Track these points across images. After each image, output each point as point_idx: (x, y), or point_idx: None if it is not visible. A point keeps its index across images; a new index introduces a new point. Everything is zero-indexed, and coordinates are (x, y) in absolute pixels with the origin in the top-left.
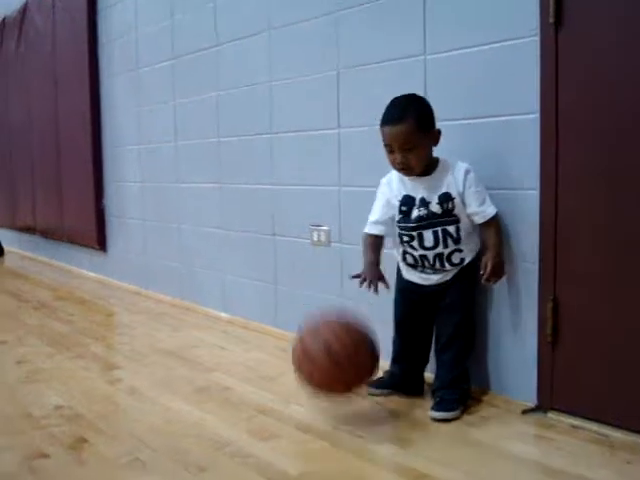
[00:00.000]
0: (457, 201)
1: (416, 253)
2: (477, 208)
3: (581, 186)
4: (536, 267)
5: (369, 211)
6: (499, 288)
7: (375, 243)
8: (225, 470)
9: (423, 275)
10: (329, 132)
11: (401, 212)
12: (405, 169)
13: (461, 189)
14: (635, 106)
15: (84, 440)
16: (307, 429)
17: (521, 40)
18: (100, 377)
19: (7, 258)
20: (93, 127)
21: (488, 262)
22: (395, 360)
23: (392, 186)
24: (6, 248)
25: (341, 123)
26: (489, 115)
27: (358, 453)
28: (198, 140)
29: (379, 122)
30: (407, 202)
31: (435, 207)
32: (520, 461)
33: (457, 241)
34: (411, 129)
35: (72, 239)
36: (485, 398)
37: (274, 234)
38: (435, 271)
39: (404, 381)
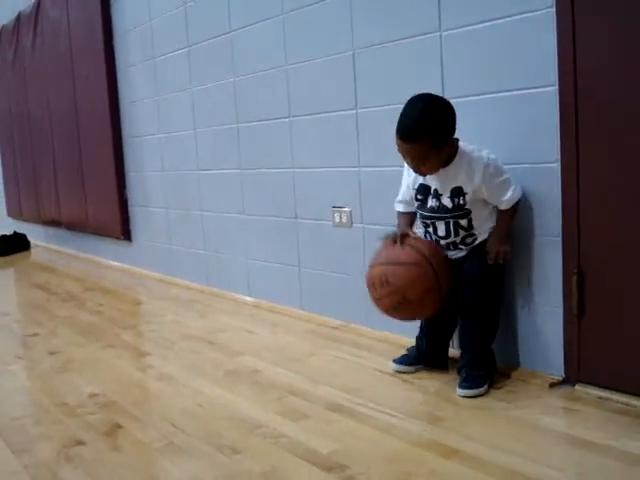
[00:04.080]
0: (469, 196)
1: (433, 238)
2: (503, 198)
3: (602, 157)
4: (559, 240)
5: (390, 191)
6: (523, 263)
7: (403, 217)
8: (258, 451)
9: None
10: (347, 113)
11: (417, 200)
12: (418, 172)
13: (478, 183)
14: None
15: (119, 426)
16: (336, 408)
17: (537, 12)
18: (131, 364)
19: (34, 252)
20: (112, 118)
21: (491, 249)
22: (422, 329)
23: (410, 172)
24: (32, 242)
25: (358, 104)
26: (508, 89)
27: (388, 431)
28: (217, 127)
29: (396, 102)
30: (422, 191)
31: (446, 200)
32: (549, 434)
33: (469, 229)
34: (426, 147)
35: (97, 230)
36: (513, 373)
37: (296, 217)
38: (449, 250)
39: (429, 354)
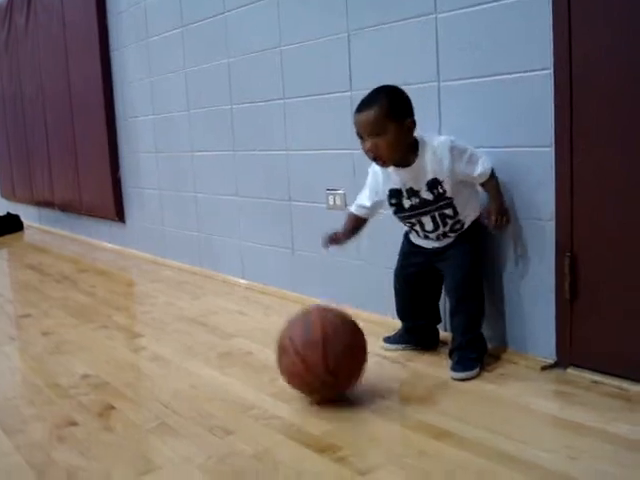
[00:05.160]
0: (447, 183)
1: (421, 234)
2: (475, 173)
3: (596, 141)
4: (552, 223)
5: None
6: (514, 244)
7: (354, 220)
8: (250, 432)
9: (427, 241)
10: (341, 95)
11: (392, 204)
12: (377, 158)
13: (449, 166)
14: None
15: (111, 407)
16: None
17: None
18: (124, 346)
19: (27, 233)
20: (105, 99)
21: (491, 213)
22: (400, 317)
23: (378, 179)
24: (26, 223)
25: (353, 86)
26: (502, 72)
27: (379, 412)
28: (211, 108)
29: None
30: (394, 195)
31: (426, 194)
32: (541, 416)
33: (455, 216)
34: (380, 113)
35: (90, 212)
36: (504, 355)
37: (290, 199)
38: (439, 239)
39: (418, 335)
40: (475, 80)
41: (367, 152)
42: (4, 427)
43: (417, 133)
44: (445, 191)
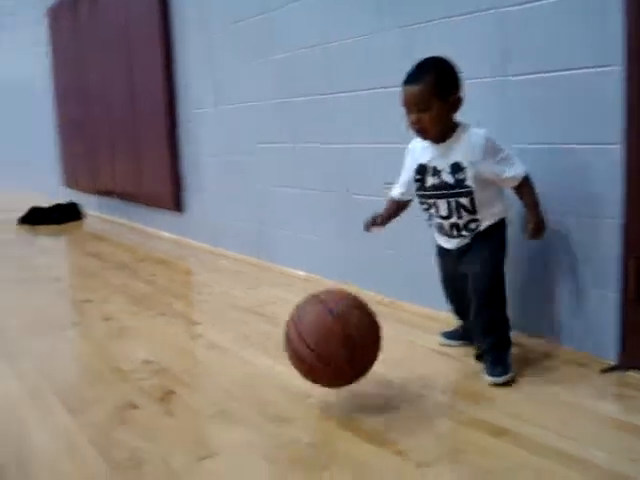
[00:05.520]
0: (469, 171)
1: (436, 220)
2: (504, 174)
3: None
4: (618, 223)
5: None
6: (579, 243)
7: (393, 203)
8: (308, 421)
9: (446, 238)
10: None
11: (417, 180)
12: (420, 131)
13: (478, 158)
14: None
15: (172, 392)
16: (388, 385)
17: None
18: (183, 333)
19: (87, 221)
20: (168, 90)
21: (529, 224)
22: (457, 317)
23: (413, 155)
24: (86, 212)
25: None
26: (569, 68)
27: (436, 408)
28: (272, 100)
29: None
30: (420, 171)
31: (447, 177)
32: (600, 418)
33: (472, 212)
34: (427, 90)
35: (149, 201)
36: (562, 355)
37: (348, 192)
38: (454, 236)
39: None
40: (542, 75)
41: (411, 124)
42: (68, 407)
43: (460, 118)
44: (466, 178)
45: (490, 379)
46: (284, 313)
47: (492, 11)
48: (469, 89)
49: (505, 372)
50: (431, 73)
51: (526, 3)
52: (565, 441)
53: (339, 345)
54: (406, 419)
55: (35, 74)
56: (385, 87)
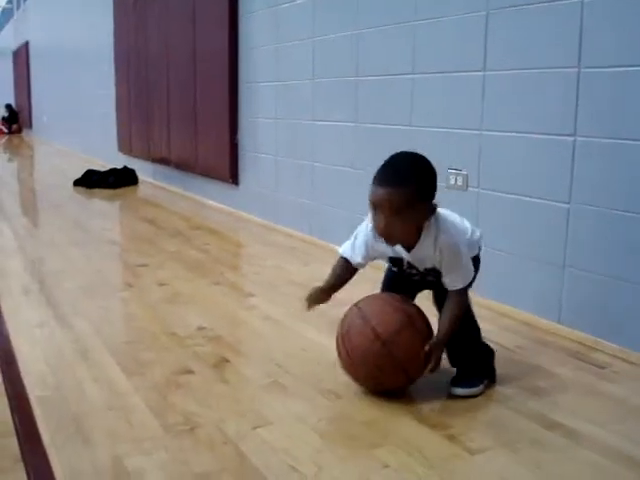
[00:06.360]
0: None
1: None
2: (445, 278)
3: None
4: None
5: (511, 158)
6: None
7: (347, 268)
8: (360, 399)
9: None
10: (474, 74)
11: (393, 266)
12: (386, 238)
13: (438, 260)
14: None
15: (226, 360)
16: (446, 371)
17: None
18: (237, 303)
19: (141, 187)
20: (230, 63)
21: (431, 349)
22: None
23: (378, 240)
24: (140, 178)
25: (487, 66)
26: None
27: (490, 396)
28: (335, 78)
29: (525, 66)
30: (395, 262)
31: (424, 271)
32: None
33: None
34: (403, 197)
35: (205, 172)
36: (619, 354)
37: None
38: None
39: None
40: (621, 69)
41: (378, 228)
42: (123, 368)
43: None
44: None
45: (452, 389)
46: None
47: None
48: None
49: (471, 385)
50: (412, 177)
51: None
52: (620, 439)
53: (391, 373)
54: (460, 405)
55: (99, 38)
56: (458, 71)
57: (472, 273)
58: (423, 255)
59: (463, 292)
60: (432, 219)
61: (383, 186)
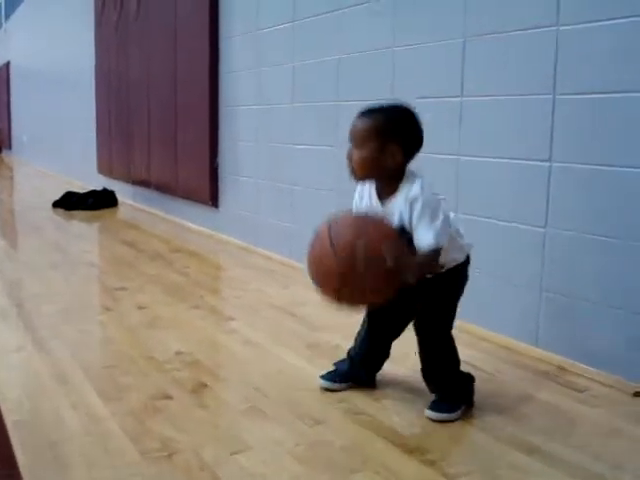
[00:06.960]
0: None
1: None
2: (415, 233)
3: None
4: None
5: (488, 182)
6: (616, 269)
7: None
8: (339, 424)
9: None
10: (452, 100)
11: None
12: (354, 171)
13: (408, 214)
14: None
15: (204, 385)
16: (419, 393)
17: None
18: (216, 327)
19: (120, 209)
20: (211, 86)
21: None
22: (360, 359)
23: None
24: (120, 200)
25: (464, 92)
26: (624, 90)
27: (468, 421)
28: (316, 102)
29: (502, 92)
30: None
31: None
32: (635, 441)
33: None
34: (366, 128)
35: (185, 194)
36: (595, 377)
37: None
38: None
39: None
40: (595, 96)
41: (347, 157)
42: (101, 393)
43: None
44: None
45: (427, 412)
46: (316, 315)
47: (553, 28)
48: None
49: (447, 410)
50: (382, 113)
51: (585, 22)
52: (599, 464)
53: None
54: (439, 430)
55: (80, 60)
56: (437, 97)
57: (445, 237)
58: (394, 208)
59: (433, 253)
60: (411, 178)
61: (360, 117)
